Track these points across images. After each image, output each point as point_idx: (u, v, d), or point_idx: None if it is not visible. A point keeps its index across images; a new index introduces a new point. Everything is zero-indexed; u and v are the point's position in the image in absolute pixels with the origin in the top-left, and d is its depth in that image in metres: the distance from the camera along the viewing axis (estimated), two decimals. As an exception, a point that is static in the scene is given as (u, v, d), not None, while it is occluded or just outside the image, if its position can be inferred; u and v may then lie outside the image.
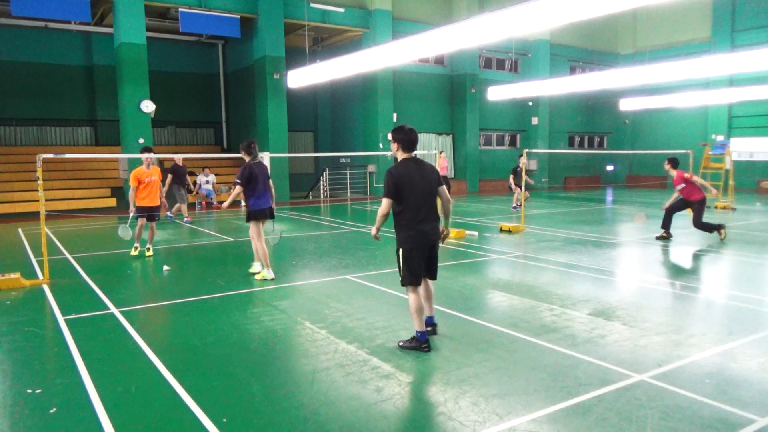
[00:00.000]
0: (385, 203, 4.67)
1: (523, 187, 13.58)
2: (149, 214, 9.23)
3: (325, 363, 4.46)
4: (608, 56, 29.01)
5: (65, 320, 5.73)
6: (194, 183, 16.91)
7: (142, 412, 3.68)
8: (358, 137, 22.95)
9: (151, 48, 18.17)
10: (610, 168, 29.96)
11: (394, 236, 4.83)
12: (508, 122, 26.58)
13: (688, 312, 6.10)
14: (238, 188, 7.43)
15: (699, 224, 10.27)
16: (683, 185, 10.27)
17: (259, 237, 7.61)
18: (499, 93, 20.35)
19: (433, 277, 4.98)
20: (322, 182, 20.99)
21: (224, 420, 3.52)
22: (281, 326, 5.46)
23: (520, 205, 13.52)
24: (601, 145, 30.38)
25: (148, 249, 9.32)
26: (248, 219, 7.57)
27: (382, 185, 7.22)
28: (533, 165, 25.77)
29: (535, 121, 26.46)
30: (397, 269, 4.90)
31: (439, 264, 4.99)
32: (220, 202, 16.63)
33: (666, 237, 10.50)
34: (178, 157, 14.16)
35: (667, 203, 10.69)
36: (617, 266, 8.50)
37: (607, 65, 28.27)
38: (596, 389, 3.90)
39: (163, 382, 4.13)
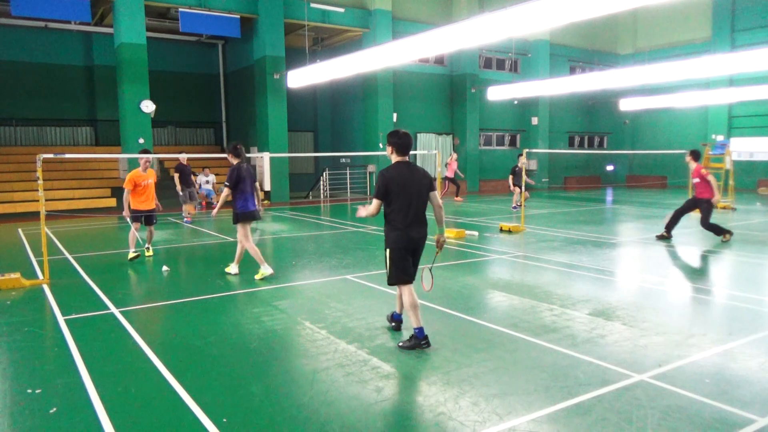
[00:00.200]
0: (375, 204, 4.81)
1: (523, 187, 13.59)
2: (146, 216, 9.06)
3: (325, 363, 4.46)
4: (608, 56, 29.01)
5: (65, 320, 5.73)
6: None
7: (142, 412, 3.68)
8: (358, 137, 22.95)
9: (151, 48, 18.18)
10: (610, 168, 29.97)
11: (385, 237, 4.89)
12: (508, 122, 26.58)
13: (688, 312, 6.11)
14: (226, 191, 7.47)
15: (707, 224, 10.26)
16: (698, 180, 10.31)
17: (247, 239, 7.65)
18: (499, 93, 20.35)
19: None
20: (322, 182, 20.99)
21: (224, 420, 3.52)
22: (281, 326, 5.46)
23: (520, 205, 13.52)
24: (601, 145, 30.38)
25: (148, 249, 9.27)
26: (236, 221, 7.60)
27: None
28: (533, 165, 25.78)
29: (535, 121, 26.46)
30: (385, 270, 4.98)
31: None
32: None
33: (666, 237, 10.50)
34: (183, 157, 14.16)
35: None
36: (617, 266, 8.50)
37: (607, 65, 28.27)
38: (596, 389, 3.90)
39: (163, 382, 4.13)
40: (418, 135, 23.42)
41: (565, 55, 27.60)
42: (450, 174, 19.57)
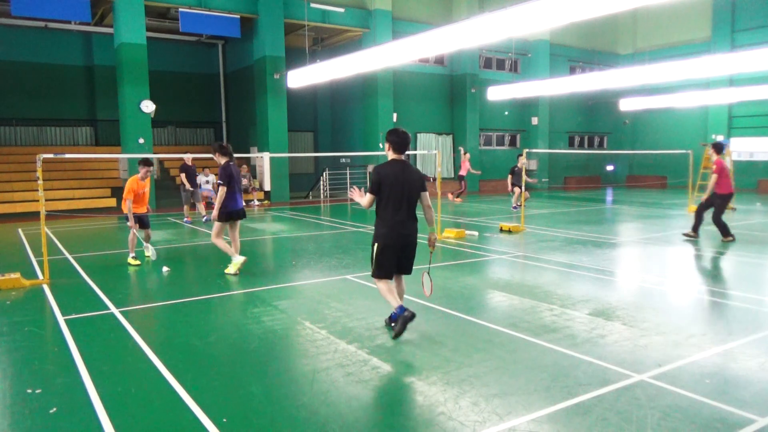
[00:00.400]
0: (368, 197, 5.00)
1: (523, 187, 13.59)
2: (140, 219, 8.95)
3: (325, 363, 4.46)
4: (608, 56, 29.01)
5: (65, 320, 5.73)
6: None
7: (142, 412, 3.68)
8: (358, 137, 22.95)
9: (151, 48, 18.17)
10: (610, 168, 29.97)
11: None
12: (508, 122, 26.58)
13: (688, 312, 6.11)
14: (222, 190, 7.52)
15: (717, 220, 10.24)
16: (716, 175, 10.31)
17: (218, 236, 7.77)
18: (499, 93, 20.35)
19: (408, 272, 5.26)
20: (322, 182, 20.99)
21: (224, 420, 3.52)
22: (281, 326, 5.46)
23: (520, 205, 13.53)
24: (601, 145, 30.38)
25: (147, 248, 9.26)
26: (220, 219, 7.65)
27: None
28: (533, 165, 25.77)
29: (535, 121, 26.46)
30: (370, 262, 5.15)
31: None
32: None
33: (693, 237, 10.50)
34: (188, 157, 14.18)
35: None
36: (617, 266, 8.50)
37: (607, 65, 28.27)
38: (596, 389, 3.90)
39: (163, 382, 4.13)
40: (418, 135, 23.42)
41: (565, 55, 27.60)
42: (463, 172, 19.52)
